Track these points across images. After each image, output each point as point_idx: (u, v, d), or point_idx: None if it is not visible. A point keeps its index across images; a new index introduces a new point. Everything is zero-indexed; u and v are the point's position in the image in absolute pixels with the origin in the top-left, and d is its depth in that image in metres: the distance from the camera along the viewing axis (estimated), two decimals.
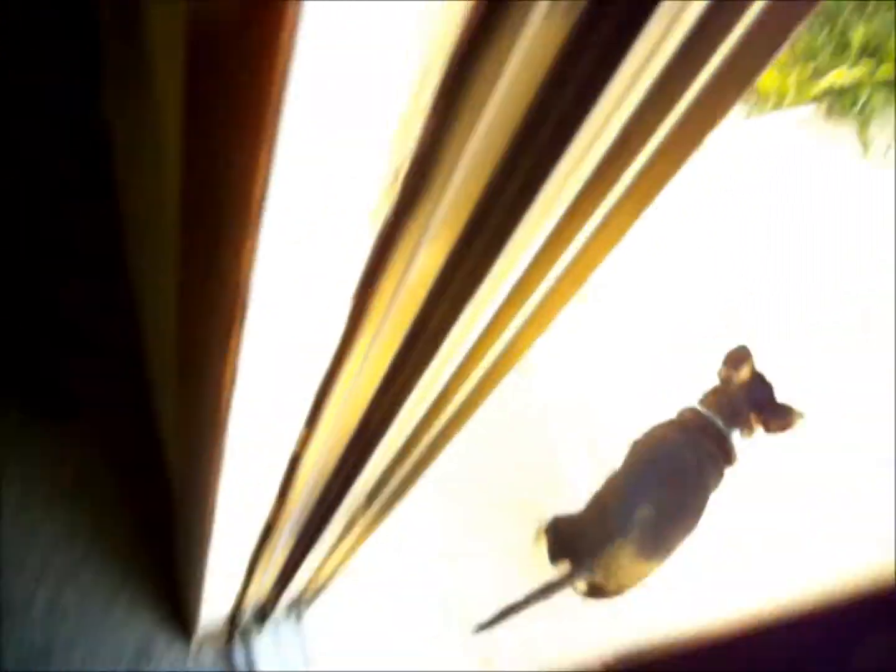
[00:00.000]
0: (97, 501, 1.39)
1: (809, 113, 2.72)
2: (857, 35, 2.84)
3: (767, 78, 2.64)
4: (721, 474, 1.65)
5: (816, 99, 2.76)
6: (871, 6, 2.98)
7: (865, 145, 2.76)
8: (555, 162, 0.43)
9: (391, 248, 0.48)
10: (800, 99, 2.70)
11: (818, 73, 2.78)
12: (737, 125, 2.50)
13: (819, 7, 0.40)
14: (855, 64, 2.81)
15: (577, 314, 1.38)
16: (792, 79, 2.70)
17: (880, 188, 2.64)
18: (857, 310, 2.26)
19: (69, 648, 1.27)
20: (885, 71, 2.82)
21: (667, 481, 1.61)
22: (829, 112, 2.77)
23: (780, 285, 2.29)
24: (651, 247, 2.17)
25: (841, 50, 2.86)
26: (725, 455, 1.65)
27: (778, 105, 2.66)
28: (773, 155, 2.55)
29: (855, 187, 2.63)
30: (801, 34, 2.66)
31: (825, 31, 2.90)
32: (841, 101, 2.79)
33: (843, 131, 2.76)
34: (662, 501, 1.57)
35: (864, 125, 2.79)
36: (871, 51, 2.86)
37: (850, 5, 2.95)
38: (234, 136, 0.39)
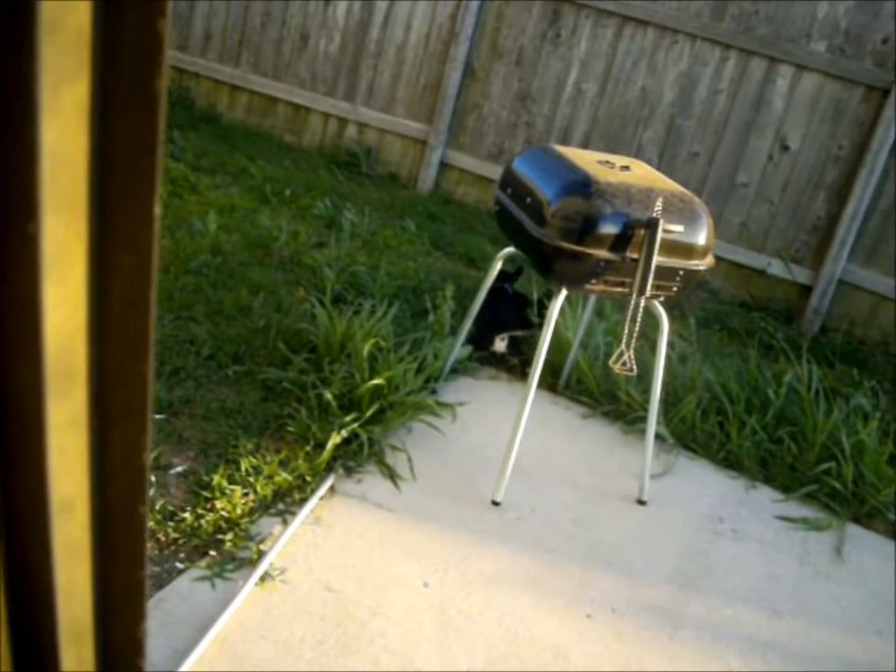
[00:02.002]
0: None
1: (333, 481, 2.84)
2: (332, 394, 3.08)
3: (283, 482, 2.73)
4: None
5: (331, 468, 2.89)
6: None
7: (394, 477, 2.94)
8: None
9: None
10: (316, 479, 2.81)
11: (319, 446, 2.94)
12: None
13: None
14: (340, 420, 3.01)
15: None
16: (302, 466, 2.81)
17: (421, 506, 2.83)
18: None
19: None
20: (368, 411, 3.06)
21: None
22: (347, 470, 2.92)
23: None
24: None
25: (324, 412, 3.07)
26: None
27: (304, 496, 2.73)
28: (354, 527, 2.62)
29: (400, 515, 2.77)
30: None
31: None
32: (348, 457, 2.96)
33: (369, 476, 2.93)
34: None
35: (381, 463, 2.99)
36: (345, 403, 3.11)
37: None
38: None
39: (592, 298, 3.62)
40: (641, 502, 3.16)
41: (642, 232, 2.71)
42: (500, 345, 3.78)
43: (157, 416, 2.90)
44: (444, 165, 6.00)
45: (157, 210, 0.47)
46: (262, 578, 2.37)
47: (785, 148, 5.27)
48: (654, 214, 2.70)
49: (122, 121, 0.44)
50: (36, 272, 0.44)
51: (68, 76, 0.42)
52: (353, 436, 2.97)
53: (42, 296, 0.44)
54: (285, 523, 2.59)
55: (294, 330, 3.49)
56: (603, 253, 2.74)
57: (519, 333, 3.82)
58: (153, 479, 2.61)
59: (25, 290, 0.44)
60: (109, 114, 0.44)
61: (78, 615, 0.56)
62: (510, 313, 3.82)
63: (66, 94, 0.42)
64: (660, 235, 2.68)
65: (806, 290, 5.30)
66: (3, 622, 0.54)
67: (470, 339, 3.68)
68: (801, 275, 5.31)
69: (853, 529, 3.30)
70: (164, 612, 2.19)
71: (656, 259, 2.70)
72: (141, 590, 0.58)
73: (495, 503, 2.93)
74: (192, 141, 5.74)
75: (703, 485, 3.39)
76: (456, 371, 3.68)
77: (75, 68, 0.42)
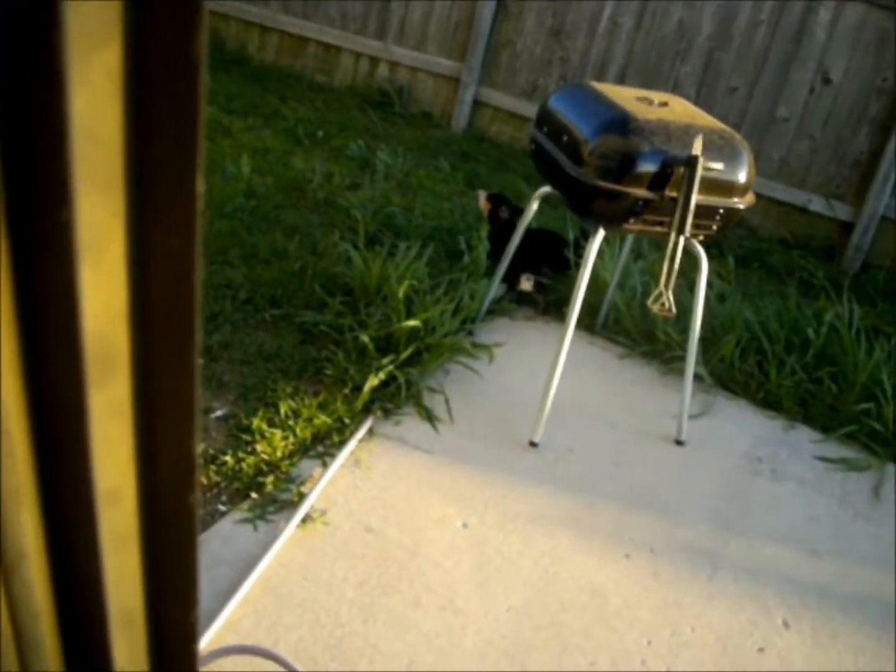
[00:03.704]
0: None
1: (371, 423, 2.85)
2: (368, 336, 3.08)
3: (321, 425, 2.75)
4: None
5: (369, 410, 2.91)
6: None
7: (432, 419, 2.95)
8: None
9: None
10: (354, 422, 2.82)
11: (356, 388, 2.95)
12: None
13: None
14: (377, 362, 3.01)
15: None
16: (341, 408, 2.83)
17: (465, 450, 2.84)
18: None
19: None
20: (405, 353, 3.06)
21: None
22: (385, 412, 2.93)
23: None
24: None
25: (361, 355, 3.07)
26: None
27: (343, 439, 2.75)
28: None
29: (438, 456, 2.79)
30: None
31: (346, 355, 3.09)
32: (386, 399, 2.97)
33: (407, 418, 2.93)
34: None
35: (419, 405, 3.00)
36: (382, 345, 3.11)
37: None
38: None
39: (630, 238, 3.58)
40: (680, 443, 3.15)
41: (681, 170, 2.66)
42: (526, 284, 3.77)
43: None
44: (477, 103, 5.92)
45: (200, 187, 0.44)
46: (304, 520, 2.40)
47: (827, 81, 5.14)
48: (694, 152, 2.65)
49: (157, 89, 0.41)
50: (70, 260, 0.41)
51: (97, 41, 0.39)
52: (391, 378, 2.98)
53: (78, 283, 0.43)
54: (325, 465, 2.62)
55: (330, 273, 3.49)
56: (641, 192, 2.69)
57: (544, 278, 3.79)
58: None
59: (60, 278, 0.42)
60: (144, 82, 0.41)
61: (128, 603, 0.56)
62: (537, 252, 3.79)
63: (95, 61, 0.39)
64: (699, 173, 2.63)
65: (847, 226, 5.20)
66: (50, 613, 0.54)
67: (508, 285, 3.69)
68: (842, 211, 5.21)
69: (893, 470, 3.27)
70: (207, 553, 2.23)
71: (696, 197, 2.65)
72: (193, 576, 0.58)
73: (533, 444, 2.93)
74: (222, 83, 5.70)
75: (741, 425, 3.37)
76: (493, 312, 3.67)
77: (105, 31, 0.39)
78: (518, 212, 3.64)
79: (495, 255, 3.65)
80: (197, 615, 0.59)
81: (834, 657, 2.39)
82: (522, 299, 3.82)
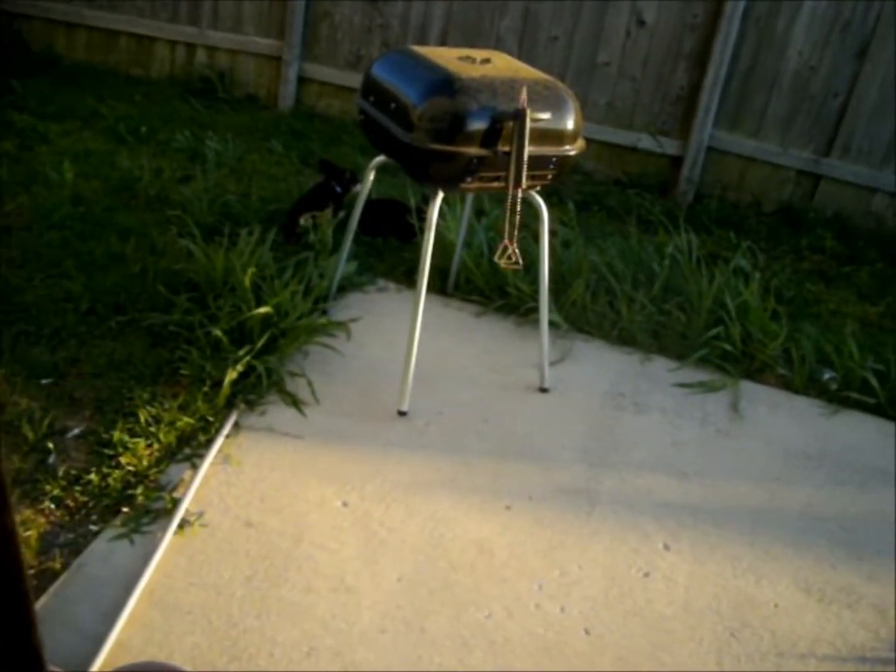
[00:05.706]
0: None
1: (236, 417, 2.80)
2: (221, 330, 3.01)
3: (185, 427, 2.68)
4: None
5: (232, 405, 2.85)
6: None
7: (297, 404, 2.91)
8: None
9: None
10: (218, 418, 2.76)
11: (216, 384, 2.88)
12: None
13: None
14: (234, 355, 2.95)
15: None
16: (202, 407, 2.76)
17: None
18: None
19: None
20: (260, 342, 3.01)
21: None
22: (249, 404, 2.88)
23: None
24: None
25: (216, 350, 3.00)
26: None
27: (209, 437, 2.69)
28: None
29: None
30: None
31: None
32: (247, 390, 2.92)
33: (272, 406, 2.89)
34: None
35: (282, 392, 2.95)
36: (236, 337, 3.05)
37: None
38: None
39: (470, 197, 3.61)
40: (544, 390, 3.22)
41: (511, 124, 2.68)
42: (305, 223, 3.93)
43: (44, 381, 2.80)
44: (302, 80, 5.83)
45: None
46: (181, 526, 2.34)
47: (641, 23, 5.28)
48: (520, 105, 2.68)
49: None
50: None
51: None
52: (250, 368, 2.93)
53: None
54: (194, 467, 2.55)
55: (172, 270, 3.38)
56: (474, 150, 2.71)
57: (316, 213, 3.94)
58: (51, 445, 2.53)
59: None
60: None
61: None
62: (381, 222, 3.98)
63: None
64: (528, 125, 2.66)
65: (677, 161, 5.39)
66: None
67: (281, 230, 3.85)
68: (670, 146, 5.39)
69: (747, 386, 3.44)
70: (85, 577, 2.15)
71: (528, 149, 2.68)
72: (26, 600, 0.55)
73: (401, 413, 2.94)
74: (33, 88, 5.42)
75: (600, 364, 3.47)
76: (344, 288, 3.64)
77: None
78: (335, 171, 4.05)
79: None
80: (39, 637, 0.57)
81: (714, 569, 2.50)
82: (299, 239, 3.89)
